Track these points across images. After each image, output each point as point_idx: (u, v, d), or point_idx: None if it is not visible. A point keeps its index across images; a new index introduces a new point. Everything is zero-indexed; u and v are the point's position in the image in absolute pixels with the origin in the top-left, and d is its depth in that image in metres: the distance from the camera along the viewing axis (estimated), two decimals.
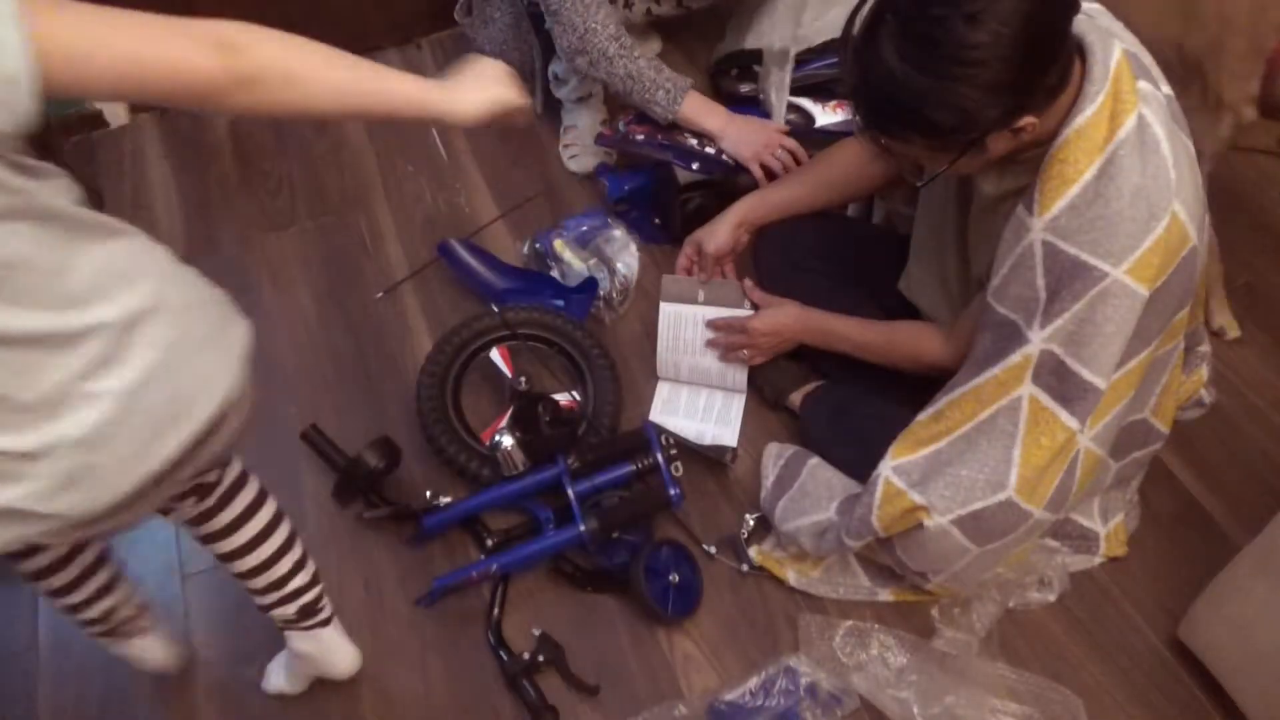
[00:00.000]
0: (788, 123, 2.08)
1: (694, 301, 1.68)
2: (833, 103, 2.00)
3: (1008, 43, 1.04)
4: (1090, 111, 1.15)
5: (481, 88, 1.12)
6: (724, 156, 1.91)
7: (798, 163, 1.81)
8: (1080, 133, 1.15)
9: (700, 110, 1.86)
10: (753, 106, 2.10)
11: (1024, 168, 1.24)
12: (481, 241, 2.04)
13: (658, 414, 1.74)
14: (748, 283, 1.64)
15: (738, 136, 1.85)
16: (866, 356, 1.54)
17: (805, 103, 2.05)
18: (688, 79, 1.87)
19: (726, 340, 1.66)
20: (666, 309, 1.70)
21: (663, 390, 1.78)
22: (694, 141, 1.94)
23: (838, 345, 1.57)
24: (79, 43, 0.81)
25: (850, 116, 1.97)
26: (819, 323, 1.58)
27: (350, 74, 1.00)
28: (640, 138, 1.96)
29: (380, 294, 1.98)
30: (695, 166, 1.90)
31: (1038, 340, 1.24)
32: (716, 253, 1.66)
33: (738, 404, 1.74)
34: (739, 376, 1.72)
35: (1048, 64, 1.10)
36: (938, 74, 1.06)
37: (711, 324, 1.67)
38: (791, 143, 1.85)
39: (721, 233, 1.65)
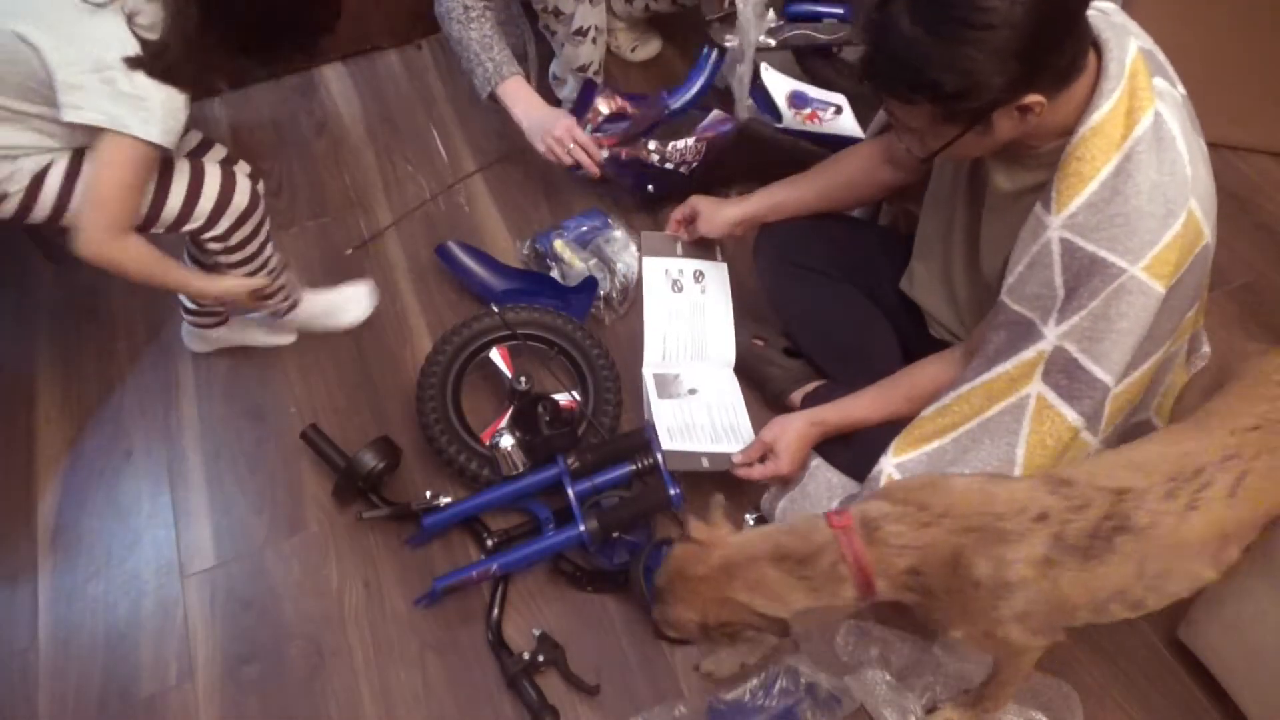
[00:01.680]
0: (747, 118, 2.03)
1: (673, 255, 1.73)
2: (808, 110, 1.96)
3: (1020, 11, 1.04)
4: (1106, 108, 1.15)
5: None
6: (683, 170, 1.92)
7: (589, 155, 1.88)
8: (1096, 130, 1.15)
9: (512, 99, 1.89)
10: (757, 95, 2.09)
11: (1040, 163, 1.24)
12: (481, 242, 2.04)
13: (668, 444, 1.58)
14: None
15: (532, 128, 1.89)
16: (888, 421, 1.45)
17: (781, 101, 1.99)
18: (515, 71, 1.89)
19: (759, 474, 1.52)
20: (650, 263, 1.72)
21: (664, 416, 1.62)
22: (655, 158, 1.95)
23: (861, 427, 1.47)
24: None
25: (825, 120, 1.95)
26: (834, 423, 1.47)
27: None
28: (605, 152, 1.95)
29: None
30: (651, 189, 1.94)
31: (1052, 336, 1.24)
32: (705, 234, 1.69)
33: (743, 419, 1.67)
34: (727, 347, 1.73)
35: (1059, 40, 1.10)
36: (947, 36, 1.07)
37: (739, 470, 1.54)
38: (583, 137, 1.88)
39: (720, 224, 1.66)
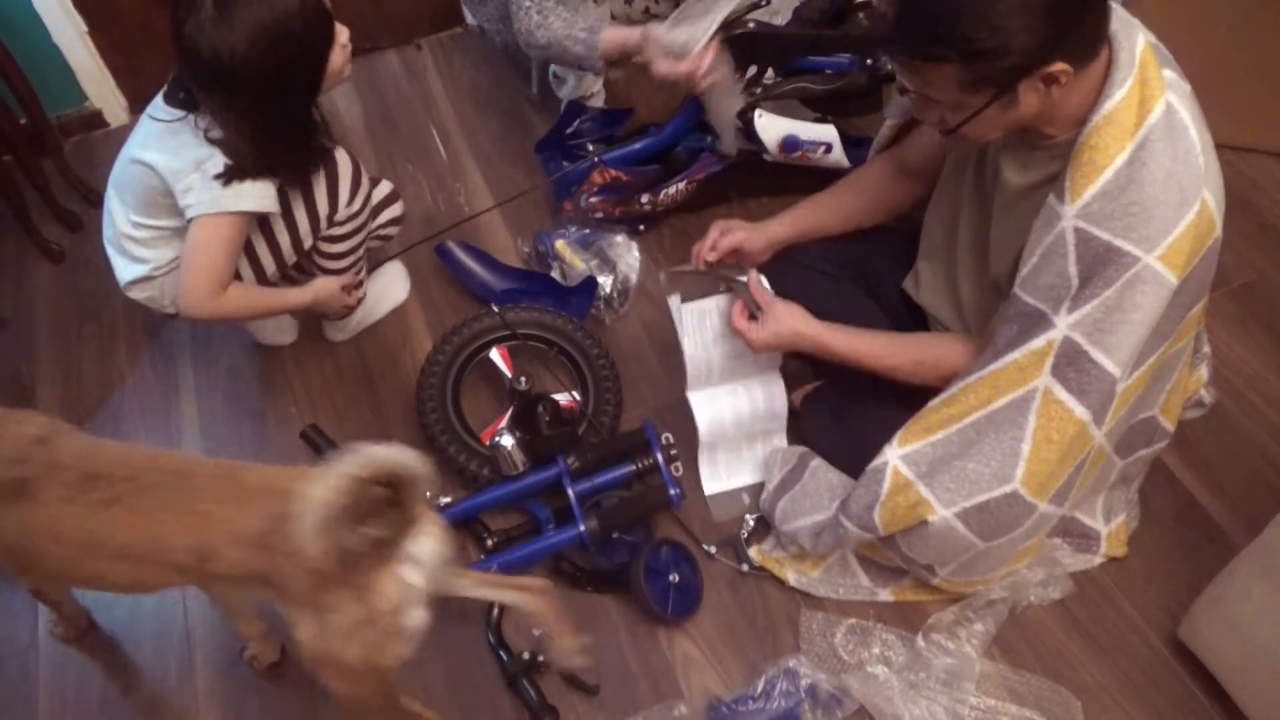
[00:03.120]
0: (739, 151, 1.96)
1: (706, 294, 1.54)
2: (798, 153, 1.91)
3: None
4: (1119, 97, 1.15)
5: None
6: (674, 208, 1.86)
7: None
8: (1109, 119, 1.16)
9: (618, 40, 1.79)
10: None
11: (1052, 154, 1.24)
12: (481, 242, 2.04)
13: (709, 488, 1.64)
14: (753, 276, 1.50)
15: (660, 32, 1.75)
16: (884, 374, 1.44)
17: (772, 146, 1.91)
18: (595, 20, 1.81)
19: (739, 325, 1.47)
20: (689, 307, 1.52)
21: (704, 453, 1.64)
22: (649, 208, 1.96)
23: (846, 360, 1.44)
24: None
25: (815, 159, 1.92)
26: (829, 345, 1.44)
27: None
28: (600, 215, 1.97)
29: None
30: (642, 228, 1.96)
31: (1064, 326, 1.24)
32: (750, 265, 1.56)
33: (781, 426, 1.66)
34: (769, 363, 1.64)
35: (1085, 4, 1.10)
36: None
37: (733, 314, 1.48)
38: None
39: (763, 252, 1.58)
